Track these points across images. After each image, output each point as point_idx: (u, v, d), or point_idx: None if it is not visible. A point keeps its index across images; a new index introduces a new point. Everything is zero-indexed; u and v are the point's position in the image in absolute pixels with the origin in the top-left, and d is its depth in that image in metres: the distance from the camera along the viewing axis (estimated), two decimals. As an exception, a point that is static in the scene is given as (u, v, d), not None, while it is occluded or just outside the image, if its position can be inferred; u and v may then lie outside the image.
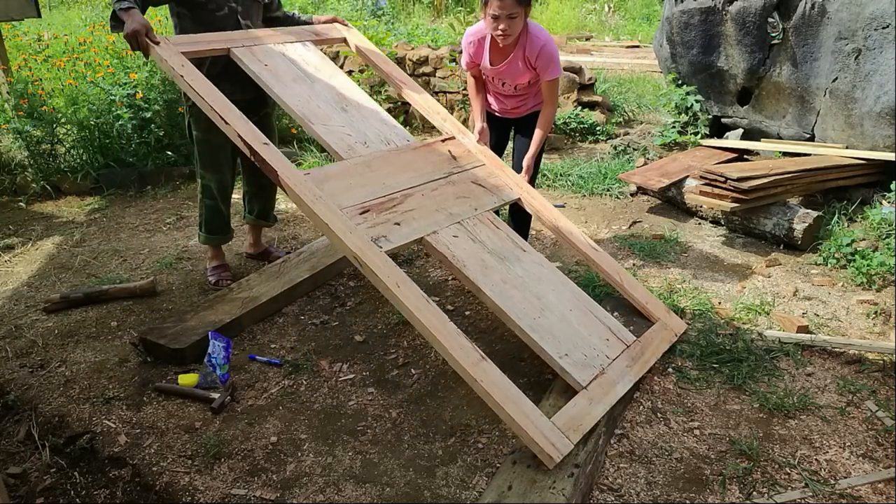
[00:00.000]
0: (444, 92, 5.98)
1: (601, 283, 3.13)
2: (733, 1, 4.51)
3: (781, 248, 3.61)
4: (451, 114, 3.71)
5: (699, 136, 5.02)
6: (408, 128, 5.45)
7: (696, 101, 4.99)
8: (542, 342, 2.31)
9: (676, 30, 4.91)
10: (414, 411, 2.40)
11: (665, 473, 2.07)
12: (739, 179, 3.56)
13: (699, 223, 4.02)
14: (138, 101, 4.80)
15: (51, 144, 4.90)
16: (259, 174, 3.26)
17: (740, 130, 4.89)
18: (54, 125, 4.83)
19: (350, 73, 6.58)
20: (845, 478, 2.03)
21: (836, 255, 3.38)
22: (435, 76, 6.12)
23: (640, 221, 4.06)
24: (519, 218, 3.17)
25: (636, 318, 2.74)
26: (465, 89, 5.63)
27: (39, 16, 5.41)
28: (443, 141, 2.99)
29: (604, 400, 2.24)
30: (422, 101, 3.19)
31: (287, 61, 2.94)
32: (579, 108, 5.85)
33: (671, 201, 4.24)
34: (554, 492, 1.89)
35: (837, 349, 2.66)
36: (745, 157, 4.62)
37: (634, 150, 5.15)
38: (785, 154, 4.35)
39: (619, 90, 6.82)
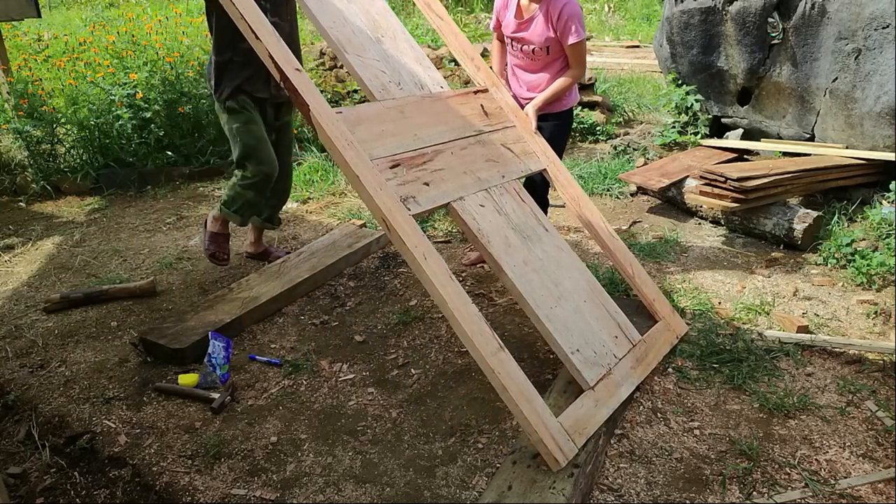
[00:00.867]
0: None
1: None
2: (733, 1, 4.51)
3: (781, 248, 3.61)
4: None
5: (699, 136, 5.01)
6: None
7: (696, 101, 4.99)
8: (557, 334, 2.26)
9: (676, 30, 4.91)
10: (414, 411, 2.40)
11: (665, 473, 2.07)
12: (739, 179, 3.56)
13: (699, 223, 4.02)
14: (138, 101, 4.80)
15: (51, 144, 4.90)
16: (280, 179, 3.21)
17: (740, 130, 4.89)
18: (54, 125, 4.83)
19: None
20: (845, 478, 2.03)
21: (836, 255, 3.38)
22: (435, 76, 6.11)
23: (640, 221, 4.06)
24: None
25: (636, 316, 2.73)
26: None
27: (39, 16, 5.42)
28: (475, 93, 2.83)
29: (608, 403, 2.23)
30: (457, 44, 3.00)
31: None
32: (579, 107, 5.85)
33: (671, 201, 4.24)
34: (554, 492, 1.88)
35: (837, 349, 2.66)
36: (745, 157, 4.62)
37: (634, 150, 5.15)
38: (785, 154, 4.34)
39: (619, 90, 6.82)
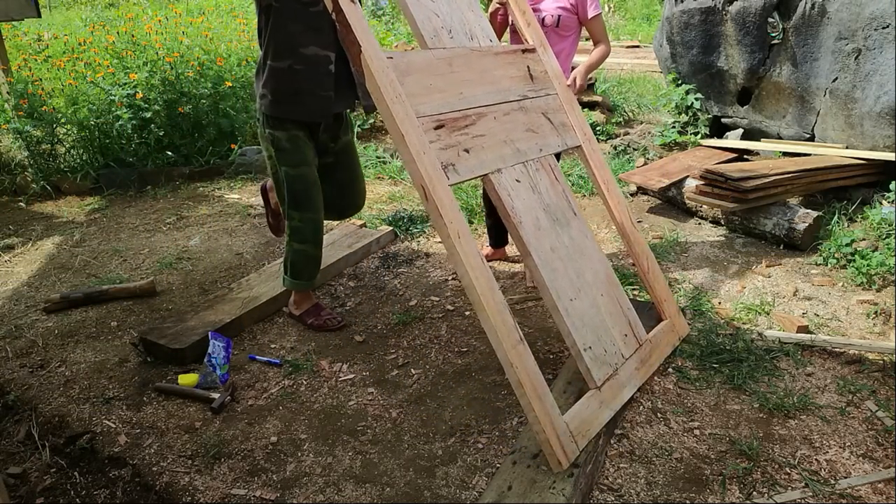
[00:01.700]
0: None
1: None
2: (733, 1, 4.51)
3: (781, 248, 3.61)
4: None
5: (699, 136, 5.02)
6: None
7: (696, 100, 4.99)
8: (573, 329, 2.21)
9: (676, 30, 4.91)
10: (414, 411, 2.40)
11: (665, 473, 2.07)
12: (739, 179, 3.56)
13: (699, 223, 4.02)
14: (138, 101, 4.80)
15: (51, 144, 4.90)
16: (352, 209, 2.97)
17: (740, 130, 4.89)
18: (54, 125, 4.83)
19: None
20: (845, 478, 2.03)
21: (836, 255, 3.38)
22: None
23: (640, 221, 4.06)
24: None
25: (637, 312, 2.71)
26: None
27: (39, 16, 5.42)
28: (523, 52, 2.63)
29: (611, 404, 2.22)
30: None
31: None
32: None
33: (671, 201, 4.24)
34: (554, 492, 1.88)
35: (837, 349, 2.66)
36: (745, 157, 4.62)
37: (634, 150, 5.15)
38: (785, 154, 4.35)
39: (619, 90, 6.82)
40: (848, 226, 3.68)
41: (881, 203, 3.75)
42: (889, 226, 3.46)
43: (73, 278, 3.48)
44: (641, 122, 6.14)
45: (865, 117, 3.96)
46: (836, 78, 4.07)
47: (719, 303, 3.06)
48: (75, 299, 3.15)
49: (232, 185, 4.88)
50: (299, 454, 2.20)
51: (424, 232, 3.94)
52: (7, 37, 5.94)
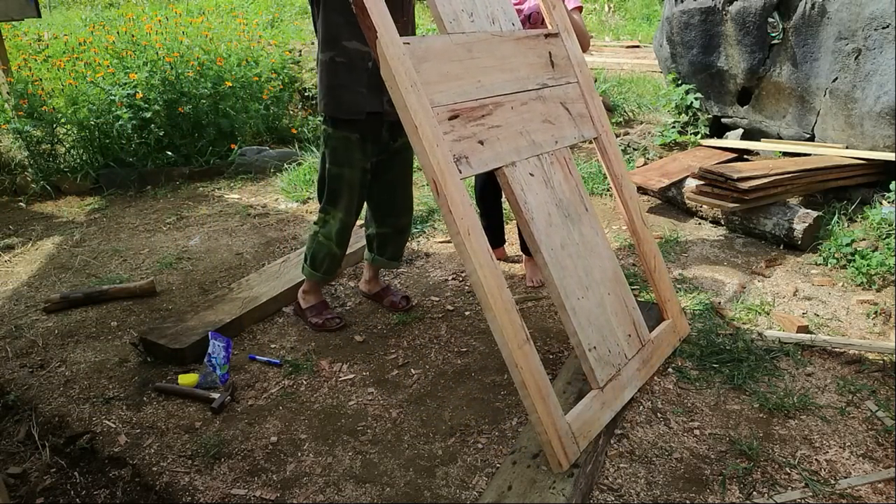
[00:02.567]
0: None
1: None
2: (733, 1, 4.51)
3: (781, 248, 3.61)
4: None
5: (699, 136, 5.01)
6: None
7: (696, 100, 4.98)
8: (579, 329, 2.19)
9: (676, 30, 4.91)
10: (414, 411, 2.40)
11: (665, 473, 2.07)
12: (739, 179, 3.56)
13: (699, 223, 4.02)
14: (138, 101, 4.80)
15: (51, 144, 4.91)
16: (400, 213, 2.93)
17: (740, 130, 4.89)
18: (54, 125, 4.83)
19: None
20: (845, 478, 2.03)
21: (836, 255, 3.38)
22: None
23: (640, 221, 4.06)
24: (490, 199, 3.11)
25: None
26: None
27: (39, 16, 5.42)
28: (546, 37, 2.52)
29: (612, 405, 2.22)
30: None
31: None
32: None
33: (671, 201, 4.24)
34: (554, 492, 1.88)
35: (837, 349, 2.66)
36: (745, 157, 4.61)
37: (634, 149, 5.15)
38: (785, 154, 4.34)
39: (619, 90, 6.82)
40: (848, 226, 3.68)
41: (881, 203, 3.74)
42: (889, 226, 3.46)
43: (73, 278, 3.48)
44: (641, 122, 6.13)
45: (865, 117, 3.96)
46: (836, 78, 4.07)
47: (719, 303, 3.06)
48: (75, 299, 3.15)
49: (232, 185, 4.88)
50: (299, 454, 2.20)
51: (424, 232, 3.94)
52: (7, 37, 5.94)
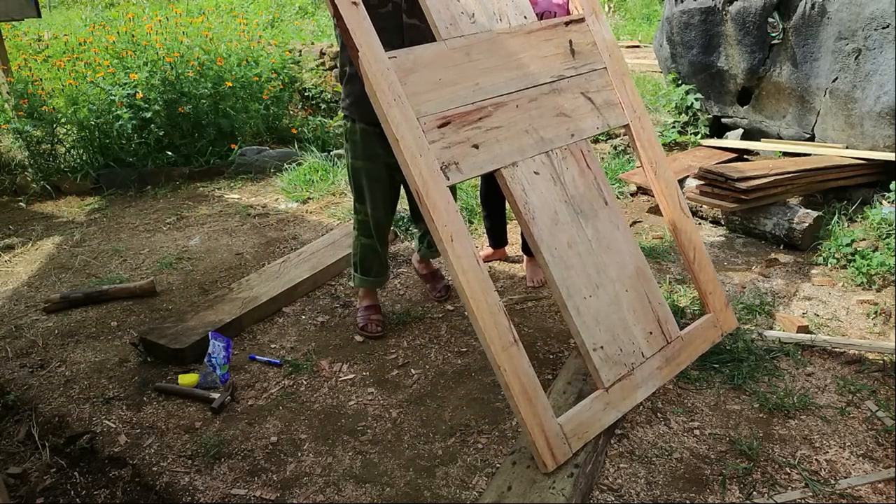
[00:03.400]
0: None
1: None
2: (733, 1, 4.51)
3: (781, 248, 3.61)
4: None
5: (699, 136, 5.01)
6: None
7: (696, 100, 4.98)
8: (582, 328, 2.14)
9: (676, 30, 4.91)
10: (414, 411, 2.40)
11: (665, 473, 2.07)
12: (739, 179, 3.56)
13: (699, 223, 4.02)
14: (138, 101, 4.80)
15: (51, 144, 4.91)
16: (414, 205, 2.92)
17: (740, 130, 4.89)
18: (54, 125, 4.83)
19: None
20: (845, 478, 2.03)
21: (836, 255, 3.38)
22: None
23: (640, 221, 4.06)
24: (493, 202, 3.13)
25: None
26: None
27: (39, 16, 5.42)
28: (566, 24, 2.42)
29: (619, 406, 2.17)
30: None
31: None
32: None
33: (671, 201, 4.23)
34: (554, 492, 1.88)
35: (837, 349, 2.66)
36: (745, 157, 4.61)
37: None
38: (785, 154, 4.34)
39: (619, 90, 6.82)
40: (848, 226, 3.68)
41: (881, 203, 3.74)
42: (889, 226, 3.46)
43: (73, 278, 3.48)
44: (641, 122, 6.13)
45: (865, 117, 3.96)
46: (836, 78, 4.07)
47: (719, 303, 3.06)
48: (75, 299, 3.15)
49: (232, 185, 4.88)
50: (299, 454, 2.20)
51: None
52: (7, 37, 5.94)
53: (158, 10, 7.36)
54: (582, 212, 2.28)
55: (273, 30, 8.36)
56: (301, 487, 2.06)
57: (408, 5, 2.46)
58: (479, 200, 4.12)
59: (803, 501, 1.95)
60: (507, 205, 2.76)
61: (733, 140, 4.82)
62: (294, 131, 5.64)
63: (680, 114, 5.15)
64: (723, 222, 3.91)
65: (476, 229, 3.93)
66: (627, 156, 5.10)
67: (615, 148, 5.24)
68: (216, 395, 2.43)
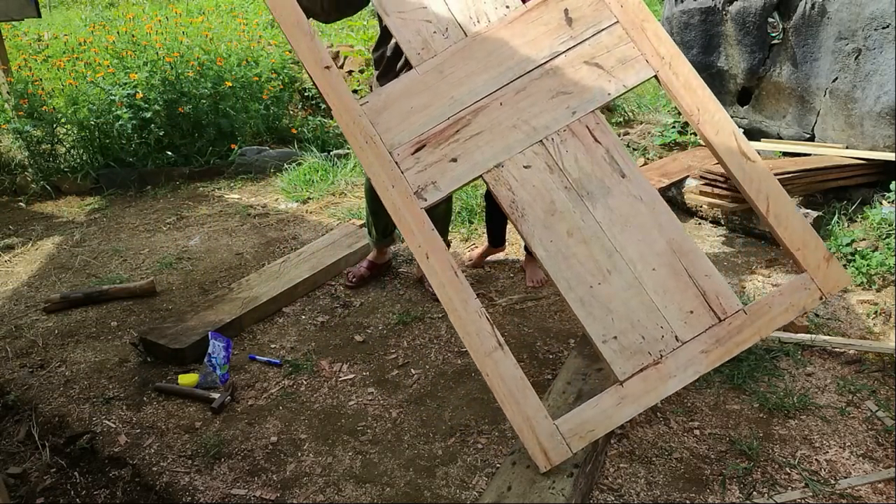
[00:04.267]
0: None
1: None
2: (733, 1, 4.51)
3: (781, 248, 3.60)
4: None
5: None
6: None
7: (696, 101, 4.98)
8: (589, 319, 2.01)
9: (676, 30, 4.91)
10: (414, 411, 2.40)
11: (665, 473, 2.07)
12: (739, 179, 3.55)
13: (699, 223, 4.02)
14: (138, 101, 4.80)
15: (51, 144, 4.90)
16: (434, 219, 3.01)
17: (740, 130, 4.89)
18: (54, 125, 4.83)
19: (350, 73, 6.58)
20: (845, 478, 2.03)
21: (836, 255, 3.38)
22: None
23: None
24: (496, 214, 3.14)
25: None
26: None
27: (39, 16, 5.41)
28: None
29: (641, 399, 1.99)
30: None
31: None
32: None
33: (671, 201, 4.23)
34: (553, 492, 1.88)
35: (837, 349, 2.66)
36: (745, 157, 4.61)
37: (634, 150, 5.15)
38: (785, 154, 4.34)
39: (619, 90, 6.81)
40: (848, 226, 3.68)
41: (881, 203, 3.74)
42: (889, 226, 3.46)
43: (73, 278, 3.48)
44: (641, 122, 6.13)
45: (865, 117, 3.96)
46: (836, 78, 4.07)
47: (719, 303, 3.06)
48: (75, 299, 3.15)
49: (232, 185, 4.88)
50: (299, 454, 2.20)
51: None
52: (7, 37, 5.94)
53: (158, 10, 7.37)
54: (589, 193, 2.15)
55: (273, 30, 8.35)
56: (301, 487, 2.06)
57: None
58: (479, 200, 4.13)
59: (803, 501, 1.95)
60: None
61: (733, 140, 4.82)
62: (294, 131, 5.64)
63: (680, 114, 5.14)
64: (723, 222, 3.91)
65: (476, 229, 3.93)
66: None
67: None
68: (216, 395, 2.43)
